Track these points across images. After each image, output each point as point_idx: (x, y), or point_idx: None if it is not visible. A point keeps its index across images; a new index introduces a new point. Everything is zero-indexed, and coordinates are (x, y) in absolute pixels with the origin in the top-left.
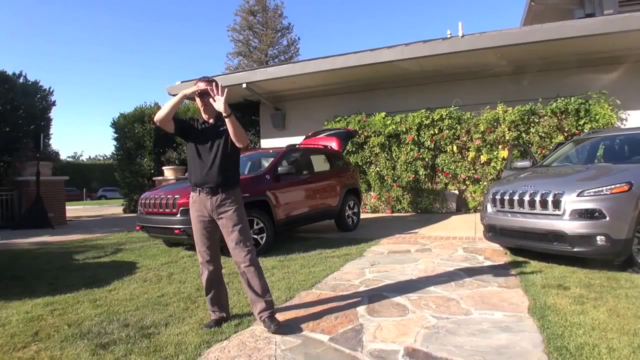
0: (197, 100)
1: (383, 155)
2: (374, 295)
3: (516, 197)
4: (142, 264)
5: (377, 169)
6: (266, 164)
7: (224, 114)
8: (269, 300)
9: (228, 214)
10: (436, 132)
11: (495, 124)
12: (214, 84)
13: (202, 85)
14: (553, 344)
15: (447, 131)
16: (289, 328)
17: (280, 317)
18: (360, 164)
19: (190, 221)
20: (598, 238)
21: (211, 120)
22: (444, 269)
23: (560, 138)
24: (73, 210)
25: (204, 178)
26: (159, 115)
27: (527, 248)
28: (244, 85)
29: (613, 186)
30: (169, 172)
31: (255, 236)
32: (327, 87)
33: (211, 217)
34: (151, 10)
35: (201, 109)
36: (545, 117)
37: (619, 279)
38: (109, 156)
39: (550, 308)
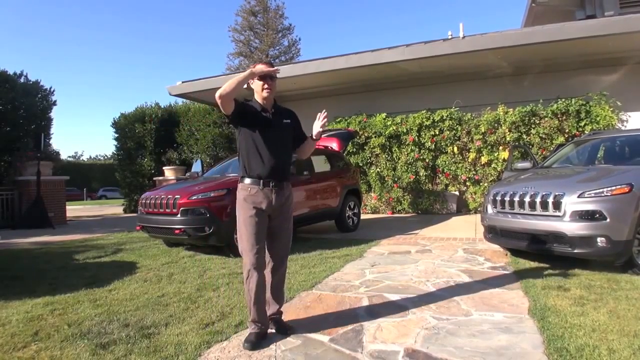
0: (259, 83)
1: (384, 156)
2: (374, 296)
3: (517, 198)
4: (142, 264)
5: (378, 169)
6: None
7: (313, 137)
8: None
9: (289, 209)
10: (437, 133)
11: (495, 125)
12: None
13: (264, 68)
14: (553, 345)
15: (448, 132)
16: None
17: None
18: (360, 164)
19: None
20: (598, 239)
21: (272, 110)
22: (444, 270)
23: (561, 139)
24: (73, 210)
25: (272, 171)
26: (223, 91)
27: (528, 249)
28: (245, 86)
29: (614, 187)
30: (169, 172)
31: None
32: (328, 88)
33: (270, 212)
34: (152, 10)
35: (261, 94)
36: (546, 119)
37: (619, 280)
38: (109, 156)
39: (550, 309)
